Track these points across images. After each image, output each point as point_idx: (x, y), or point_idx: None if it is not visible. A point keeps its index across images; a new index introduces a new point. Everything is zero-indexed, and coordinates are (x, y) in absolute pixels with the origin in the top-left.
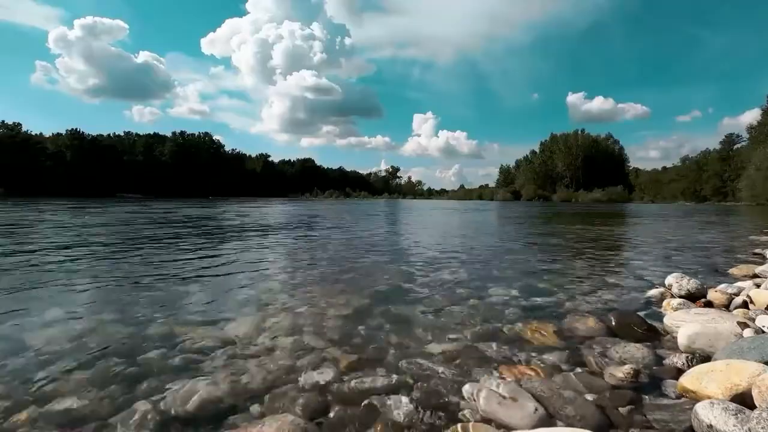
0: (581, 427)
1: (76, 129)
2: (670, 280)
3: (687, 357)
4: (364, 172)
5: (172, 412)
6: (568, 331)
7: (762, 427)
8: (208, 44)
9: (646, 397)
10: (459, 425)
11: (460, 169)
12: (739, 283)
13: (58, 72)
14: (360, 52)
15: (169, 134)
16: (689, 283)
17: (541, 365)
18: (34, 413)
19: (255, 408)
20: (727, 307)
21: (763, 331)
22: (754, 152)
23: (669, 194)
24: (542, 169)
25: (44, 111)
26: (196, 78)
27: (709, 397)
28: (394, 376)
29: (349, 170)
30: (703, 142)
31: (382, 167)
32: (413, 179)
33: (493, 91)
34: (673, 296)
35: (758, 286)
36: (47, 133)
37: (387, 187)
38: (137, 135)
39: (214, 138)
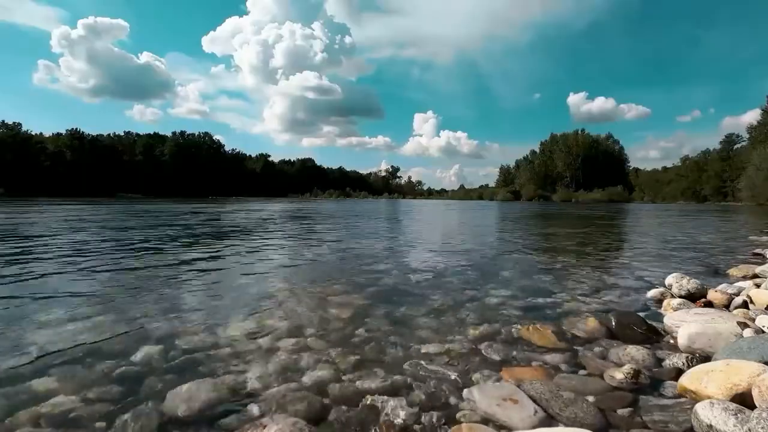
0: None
1: (76, 129)
2: (670, 280)
3: (687, 357)
4: (364, 172)
5: (172, 412)
6: (568, 332)
7: (762, 427)
8: (209, 42)
9: (646, 397)
10: (459, 426)
11: (460, 169)
12: (739, 283)
13: (60, 71)
14: (360, 52)
15: (169, 134)
16: (689, 283)
17: (541, 366)
18: (33, 413)
19: (255, 408)
20: (727, 307)
21: (763, 331)
22: (754, 152)
23: (669, 194)
24: (542, 169)
25: (44, 111)
26: (196, 78)
27: (709, 397)
28: (394, 377)
29: (349, 170)
30: (704, 142)
31: (382, 167)
32: (413, 179)
33: (493, 91)
34: (673, 296)
35: (758, 286)
36: (47, 133)
37: (387, 187)
38: (137, 135)
39: (214, 138)
